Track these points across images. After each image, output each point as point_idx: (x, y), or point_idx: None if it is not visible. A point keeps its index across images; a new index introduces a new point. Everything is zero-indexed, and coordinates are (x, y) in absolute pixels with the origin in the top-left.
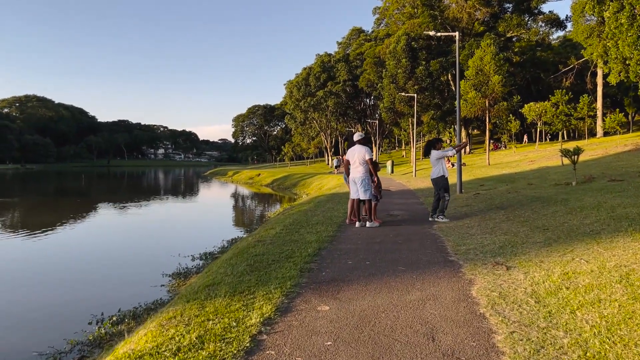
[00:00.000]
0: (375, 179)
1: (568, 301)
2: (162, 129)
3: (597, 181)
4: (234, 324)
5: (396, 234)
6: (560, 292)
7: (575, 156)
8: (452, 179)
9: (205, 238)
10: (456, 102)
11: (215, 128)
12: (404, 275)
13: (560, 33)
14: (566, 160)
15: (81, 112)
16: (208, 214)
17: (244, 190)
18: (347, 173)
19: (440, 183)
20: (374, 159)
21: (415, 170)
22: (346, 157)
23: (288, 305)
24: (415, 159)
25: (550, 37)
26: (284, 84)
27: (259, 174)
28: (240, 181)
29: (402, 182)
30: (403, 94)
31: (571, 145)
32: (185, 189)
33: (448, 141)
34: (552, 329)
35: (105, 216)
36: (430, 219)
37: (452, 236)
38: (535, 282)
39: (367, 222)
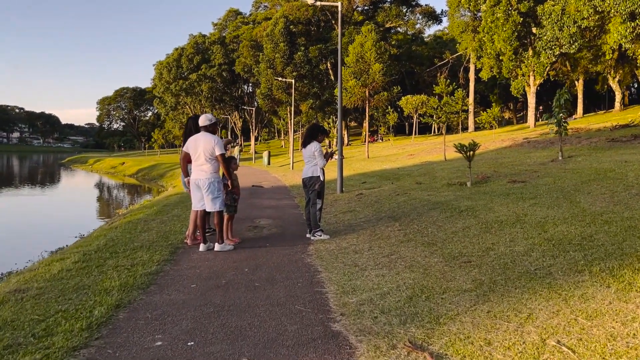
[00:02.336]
0: (230, 182)
1: None
2: (17, 110)
3: (493, 181)
4: None
5: (255, 267)
6: None
7: (471, 152)
8: (332, 175)
9: None
10: (337, 91)
11: (82, 112)
12: None
13: (437, 27)
14: (449, 155)
15: None
16: (21, 216)
17: (104, 181)
18: (186, 173)
19: (313, 186)
20: (227, 152)
21: (293, 163)
22: (184, 149)
23: None
24: (293, 150)
25: (425, 34)
26: (153, 65)
27: (123, 163)
28: (102, 170)
29: (278, 176)
30: (280, 79)
31: (453, 140)
32: (24, 179)
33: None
34: None
35: None
36: (307, 235)
37: (335, 271)
38: None
39: (217, 245)
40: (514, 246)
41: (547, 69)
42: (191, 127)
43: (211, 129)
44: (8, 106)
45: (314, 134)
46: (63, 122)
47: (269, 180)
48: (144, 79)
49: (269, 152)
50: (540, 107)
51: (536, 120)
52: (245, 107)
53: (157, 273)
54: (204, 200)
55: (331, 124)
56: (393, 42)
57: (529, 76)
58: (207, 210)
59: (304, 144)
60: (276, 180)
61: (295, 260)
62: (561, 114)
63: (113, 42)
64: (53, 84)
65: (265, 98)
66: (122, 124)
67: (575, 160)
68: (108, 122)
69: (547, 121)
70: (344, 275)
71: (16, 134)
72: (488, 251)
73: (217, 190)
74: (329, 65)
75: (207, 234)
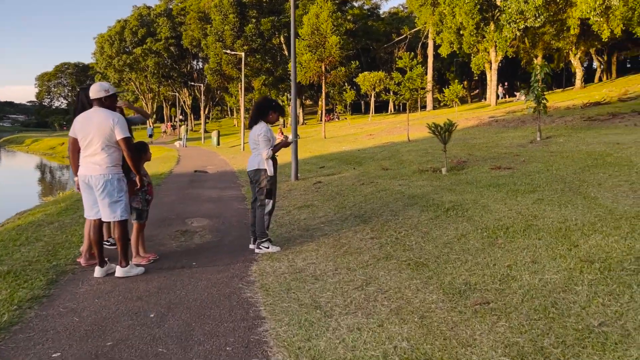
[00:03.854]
0: (138, 178)
1: None
2: None
3: (472, 167)
4: None
5: (167, 309)
6: None
7: (447, 133)
8: (285, 158)
9: None
10: (291, 65)
11: (23, 88)
12: None
13: (393, 3)
14: (413, 135)
15: None
16: None
17: (36, 164)
18: (75, 166)
19: (260, 182)
20: (132, 137)
21: (244, 143)
22: (70, 133)
23: None
24: (244, 130)
25: (381, 10)
26: (94, 38)
27: (63, 143)
28: (39, 151)
29: (227, 158)
30: (230, 52)
31: (414, 119)
32: None
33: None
34: None
35: None
36: (251, 246)
37: (287, 319)
38: None
39: (118, 268)
40: (542, 272)
41: (509, 44)
42: (84, 103)
43: (108, 103)
44: None
45: (264, 111)
46: (2, 99)
47: (215, 164)
48: (87, 54)
49: (219, 132)
50: (506, 84)
51: (497, 98)
52: (193, 84)
53: (6, 329)
54: (99, 206)
55: (285, 102)
56: (349, 17)
57: (488, 52)
58: (104, 220)
59: (251, 124)
60: (224, 164)
61: (228, 295)
62: (539, 90)
63: (54, 11)
64: None
65: (214, 73)
66: (65, 101)
67: (557, 142)
68: (49, 100)
69: (524, 97)
70: (300, 329)
71: None
72: (508, 281)
73: (118, 191)
74: (282, 39)
75: (108, 245)
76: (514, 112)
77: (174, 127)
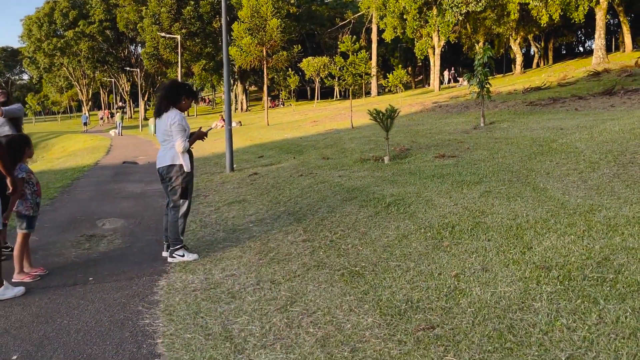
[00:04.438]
0: (10, 180)
1: None
2: None
3: (415, 155)
4: None
5: (39, 344)
6: None
7: (389, 120)
8: (219, 147)
9: None
10: (222, 46)
11: None
12: None
13: None
14: (356, 121)
15: None
16: None
17: None
18: None
19: (174, 179)
20: (21, 129)
21: None
22: None
23: None
24: None
25: None
26: (21, 20)
27: None
28: None
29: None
30: (165, 34)
31: (357, 105)
32: None
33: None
34: None
35: None
36: (164, 254)
37: (189, 350)
38: None
39: None
40: (494, 284)
41: (451, 29)
42: None
43: None
44: None
45: (176, 96)
46: None
47: (148, 154)
48: (16, 38)
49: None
50: (453, 68)
51: (441, 83)
52: (128, 69)
53: None
54: None
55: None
56: (292, 1)
57: (432, 37)
58: None
59: (158, 112)
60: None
61: (121, 323)
62: (482, 75)
63: None
64: None
65: (151, 58)
66: None
67: (501, 127)
68: None
69: (467, 82)
70: None
71: None
72: (455, 296)
73: None
74: (223, 22)
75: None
76: (457, 97)
77: (112, 115)
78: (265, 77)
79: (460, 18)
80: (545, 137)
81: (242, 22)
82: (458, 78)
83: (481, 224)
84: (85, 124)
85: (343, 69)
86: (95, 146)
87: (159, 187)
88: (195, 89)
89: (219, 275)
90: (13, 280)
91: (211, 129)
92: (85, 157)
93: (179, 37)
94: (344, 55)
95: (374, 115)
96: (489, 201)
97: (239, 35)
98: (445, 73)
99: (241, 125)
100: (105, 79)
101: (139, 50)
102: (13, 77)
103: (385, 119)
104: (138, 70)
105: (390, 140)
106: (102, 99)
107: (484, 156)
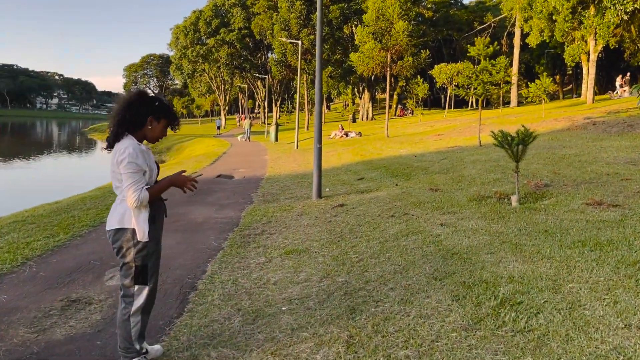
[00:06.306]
0: None
1: None
2: (56, 76)
3: (556, 197)
4: None
5: None
6: None
7: (520, 146)
8: (345, 158)
9: None
10: (317, 49)
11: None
12: None
13: None
14: (485, 139)
15: None
16: None
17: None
18: None
19: (124, 251)
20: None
21: (298, 141)
22: None
23: None
24: (298, 124)
25: None
26: (171, 29)
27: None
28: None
29: (272, 158)
30: (286, 39)
31: (490, 117)
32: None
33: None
34: None
35: None
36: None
37: None
38: None
39: None
40: None
41: (611, 31)
42: None
43: None
44: (48, 72)
45: (133, 117)
46: (100, 89)
47: (251, 166)
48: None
49: (277, 126)
50: (628, 74)
51: (595, 94)
52: (258, 76)
53: None
54: None
55: (349, 95)
56: (429, 5)
57: (586, 41)
58: None
59: (111, 140)
60: (261, 166)
61: None
62: None
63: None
64: (88, 52)
65: (278, 64)
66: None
67: None
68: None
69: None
70: None
71: (55, 100)
72: None
73: None
74: (353, 28)
75: None
76: (617, 112)
77: (251, 119)
78: (387, 84)
79: (626, 17)
80: None
81: (367, 26)
82: (625, 87)
83: None
84: (218, 127)
85: (472, 77)
86: (212, 152)
87: (228, 213)
88: (174, 110)
89: None
90: None
91: (200, 175)
92: (190, 165)
93: (299, 42)
94: (473, 61)
95: (500, 139)
96: None
97: (362, 40)
98: (618, 79)
99: (361, 135)
100: (243, 84)
101: (275, 57)
102: (167, 82)
103: (515, 145)
104: (268, 76)
105: (524, 167)
106: (240, 103)
107: None
